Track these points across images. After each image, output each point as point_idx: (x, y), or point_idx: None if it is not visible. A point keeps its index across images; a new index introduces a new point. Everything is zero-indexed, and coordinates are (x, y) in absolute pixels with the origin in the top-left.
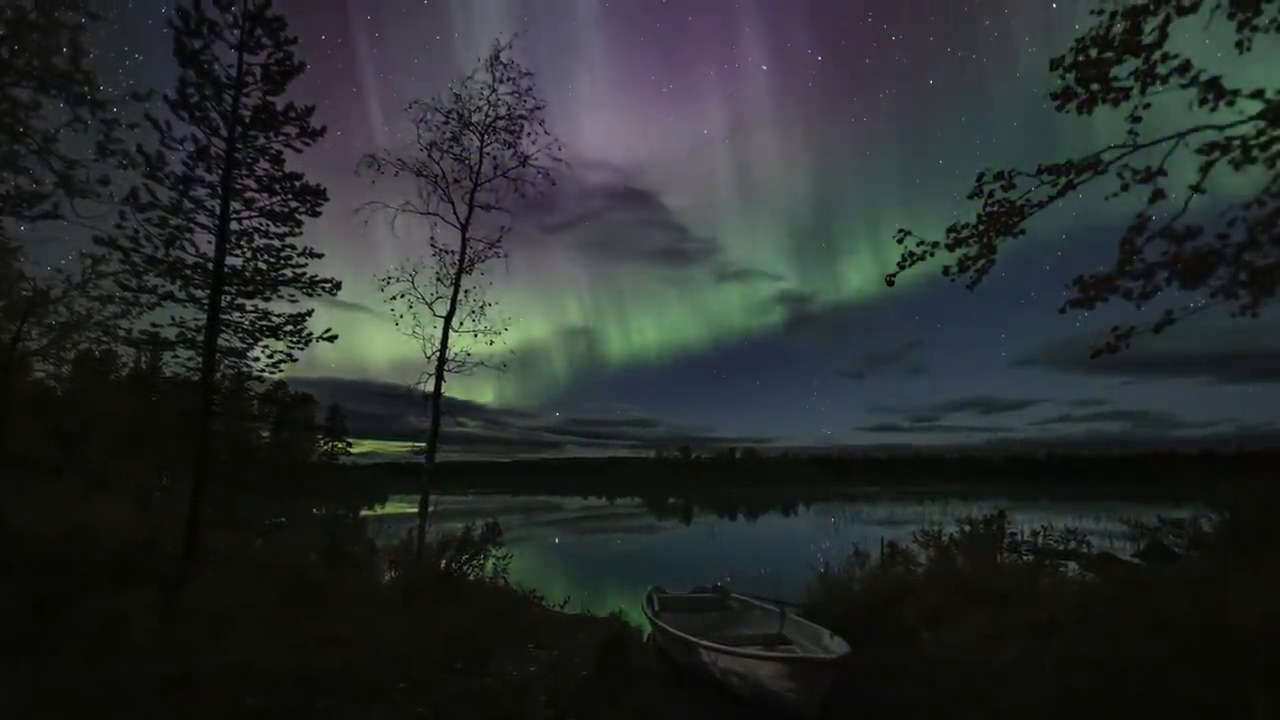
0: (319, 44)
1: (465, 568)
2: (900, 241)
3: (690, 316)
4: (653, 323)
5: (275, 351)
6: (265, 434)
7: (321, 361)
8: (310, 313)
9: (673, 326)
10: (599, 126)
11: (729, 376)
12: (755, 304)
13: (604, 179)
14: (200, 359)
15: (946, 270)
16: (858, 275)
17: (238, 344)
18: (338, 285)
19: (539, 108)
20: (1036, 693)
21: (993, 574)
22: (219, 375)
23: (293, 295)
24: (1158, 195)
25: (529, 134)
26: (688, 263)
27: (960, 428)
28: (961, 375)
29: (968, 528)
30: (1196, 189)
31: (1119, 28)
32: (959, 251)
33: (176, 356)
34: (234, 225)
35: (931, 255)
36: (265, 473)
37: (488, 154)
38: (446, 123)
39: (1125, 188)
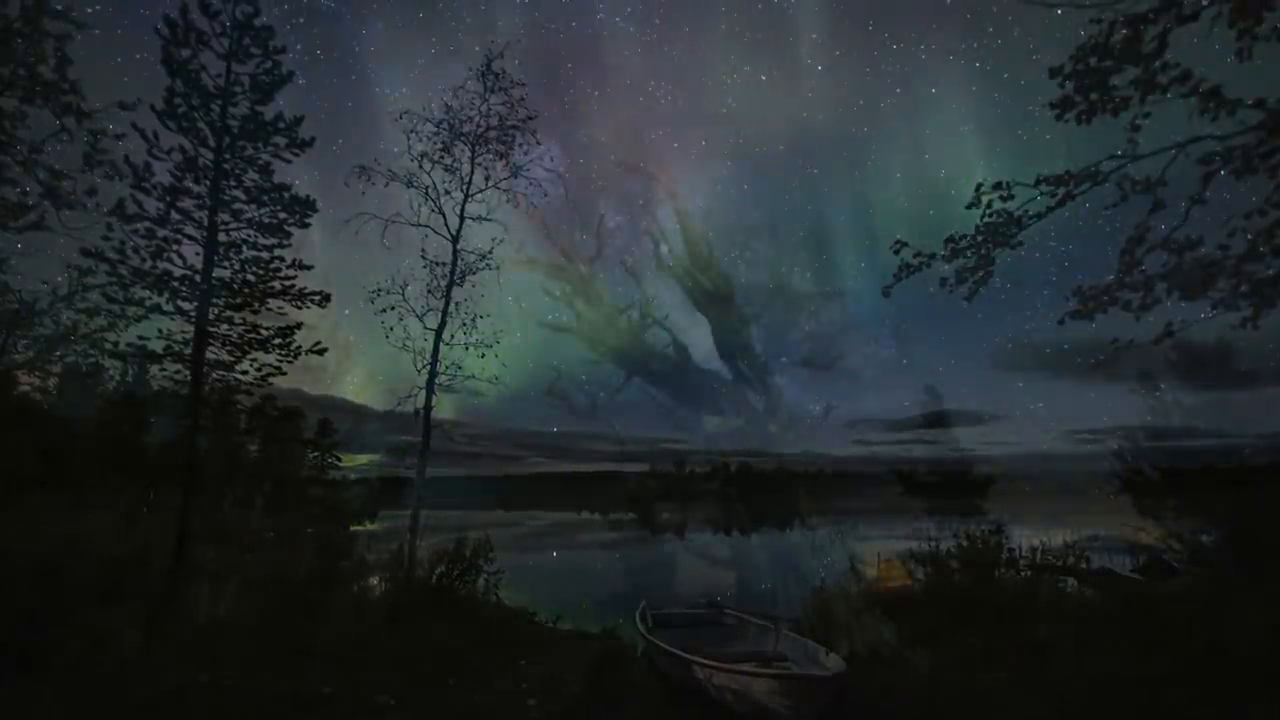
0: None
1: (456, 583)
2: (897, 253)
3: None
4: None
5: (264, 365)
6: (254, 448)
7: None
8: (299, 325)
9: None
10: None
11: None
12: None
13: None
14: (188, 372)
15: (944, 282)
16: None
17: (226, 357)
18: (327, 298)
19: (531, 118)
20: (1034, 710)
21: (990, 590)
22: (207, 389)
23: (281, 308)
24: (1158, 205)
25: (521, 145)
26: None
27: (945, 441)
28: (946, 379)
29: (965, 543)
30: (1197, 199)
31: (1119, 36)
32: (956, 263)
33: (164, 369)
34: (222, 237)
35: (928, 266)
36: (254, 486)
37: (479, 165)
38: (437, 133)
39: (1125, 198)
